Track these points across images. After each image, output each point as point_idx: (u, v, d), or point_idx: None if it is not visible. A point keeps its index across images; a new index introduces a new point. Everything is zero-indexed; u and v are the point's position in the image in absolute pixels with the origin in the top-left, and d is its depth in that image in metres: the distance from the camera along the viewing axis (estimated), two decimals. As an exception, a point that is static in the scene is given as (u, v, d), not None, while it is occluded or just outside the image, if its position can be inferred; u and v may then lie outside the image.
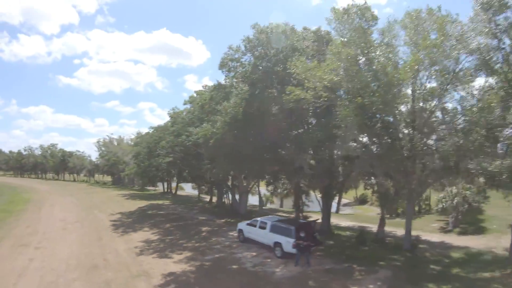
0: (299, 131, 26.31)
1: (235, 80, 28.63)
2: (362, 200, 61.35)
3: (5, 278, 17.29)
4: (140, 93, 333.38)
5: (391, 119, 20.61)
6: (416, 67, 18.20)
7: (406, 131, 20.85)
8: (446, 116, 19.86)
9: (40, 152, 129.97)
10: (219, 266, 19.73)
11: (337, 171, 28.60)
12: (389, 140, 20.80)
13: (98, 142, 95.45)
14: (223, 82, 31.21)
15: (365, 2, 20.60)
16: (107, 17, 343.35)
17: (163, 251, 22.80)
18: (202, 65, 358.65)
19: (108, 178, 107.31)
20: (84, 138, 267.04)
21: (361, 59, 20.19)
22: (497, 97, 16.61)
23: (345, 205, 61.09)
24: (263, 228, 22.54)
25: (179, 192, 69.76)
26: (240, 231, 24.80)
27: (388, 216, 38.64)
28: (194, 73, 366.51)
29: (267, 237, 22.01)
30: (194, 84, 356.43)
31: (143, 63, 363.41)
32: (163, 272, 18.52)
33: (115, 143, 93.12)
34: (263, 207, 48.41)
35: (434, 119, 20.37)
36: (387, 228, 28.86)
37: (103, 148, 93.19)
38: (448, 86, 19.11)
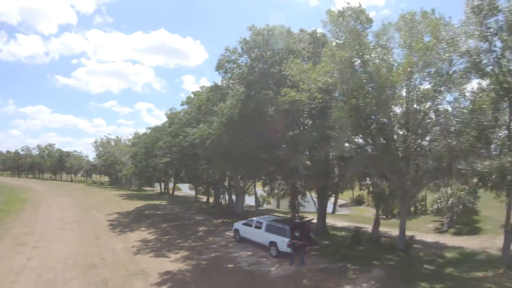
0: (295, 132, 26.50)
1: (232, 81, 28.82)
2: (358, 201, 61.48)
3: (3, 277, 17.47)
4: (138, 93, 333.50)
5: (386, 120, 20.84)
6: (409, 69, 18.47)
7: (400, 132, 21.11)
8: (440, 118, 20.08)
9: (37, 152, 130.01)
10: (215, 265, 19.94)
11: (332, 171, 28.86)
12: (383, 141, 21.04)
13: (95, 142, 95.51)
14: (220, 83, 31.42)
15: (360, 5, 20.91)
16: (105, 17, 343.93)
17: (160, 250, 22.99)
18: (200, 65, 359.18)
19: (106, 179, 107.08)
20: (81, 138, 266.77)
21: (356, 61, 20.47)
22: (489, 99, 16.93)
23: (341, 206, 61.28)
24: (258, 228, 22.74)
25: (176, 193, 69.75)
26: (236, 231, 25.00)
27: (384, 217, 38.98)
28: (192, 73, 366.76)
29: (262, 236, 22.23)
30: (192, 85, 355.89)
31: (141, 63, 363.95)
32: (160, 271, 18.72)
33: (113, 144, 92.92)
34: (260, 208, 48.56)
35: (428, 120, 20.61)
36: (382, 229, 29.07)
37: (100, 149, 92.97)
38: (442, 88, 19.41)
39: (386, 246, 24.21)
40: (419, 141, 20.61)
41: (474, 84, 18.74)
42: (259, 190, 54.97)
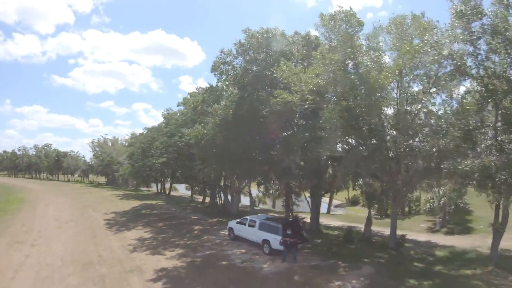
0: (288, 132, 26.95)
1: (226, 83, 29.26)
2: (354, 201, 61.59)
3: (2, 273, 17.89)
4: (135, 93, 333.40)
5: (377, 121, 21.21)
6: (398, 71, 18.94)
7: (391, 133, 21.50)
8: (429, 119, 20.47)
9: (34, 152, 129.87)
10: (209, 262, 20.38)
11: (324, 171, 29.27)
12: (375, 142, 21.45)
13: (92, 142, 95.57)
14: (215, 84, 31.84)
15: (351, 9, 21.36)
16: (103, 17, 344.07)
17: (155, 248, 23.40)
18: (197, 66, 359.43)
19: (102, 179, 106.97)
20: (78, 139, 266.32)
21: (348, 63, 20.93)
22: (474, 101, 17.42)
23: (337, 206, 61.55)
24: (252, 226, 23.16)
25: (173, 193, 70.02)
26: (231, 229, 25.39)
27: (378, 216, 39.49)
28: (189, 74, 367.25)
29: (256, 234, 22.65)
30: (189, 85, 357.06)
31: (138, 63, 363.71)
32: (155, 268, 19.18)
33: (110, 144, 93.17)
34: (255, 207, 48.93)
35: (418, 121, 20.93)
36: (376, 228, 29.59)
37: (97, 149, 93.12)
38: (431, 90, 19.85)
39: (378, 244, 24.61)
40: (410, 141, 20.82)
41: (465, 86, 19.21)
42: (255, 190, 55.33)
